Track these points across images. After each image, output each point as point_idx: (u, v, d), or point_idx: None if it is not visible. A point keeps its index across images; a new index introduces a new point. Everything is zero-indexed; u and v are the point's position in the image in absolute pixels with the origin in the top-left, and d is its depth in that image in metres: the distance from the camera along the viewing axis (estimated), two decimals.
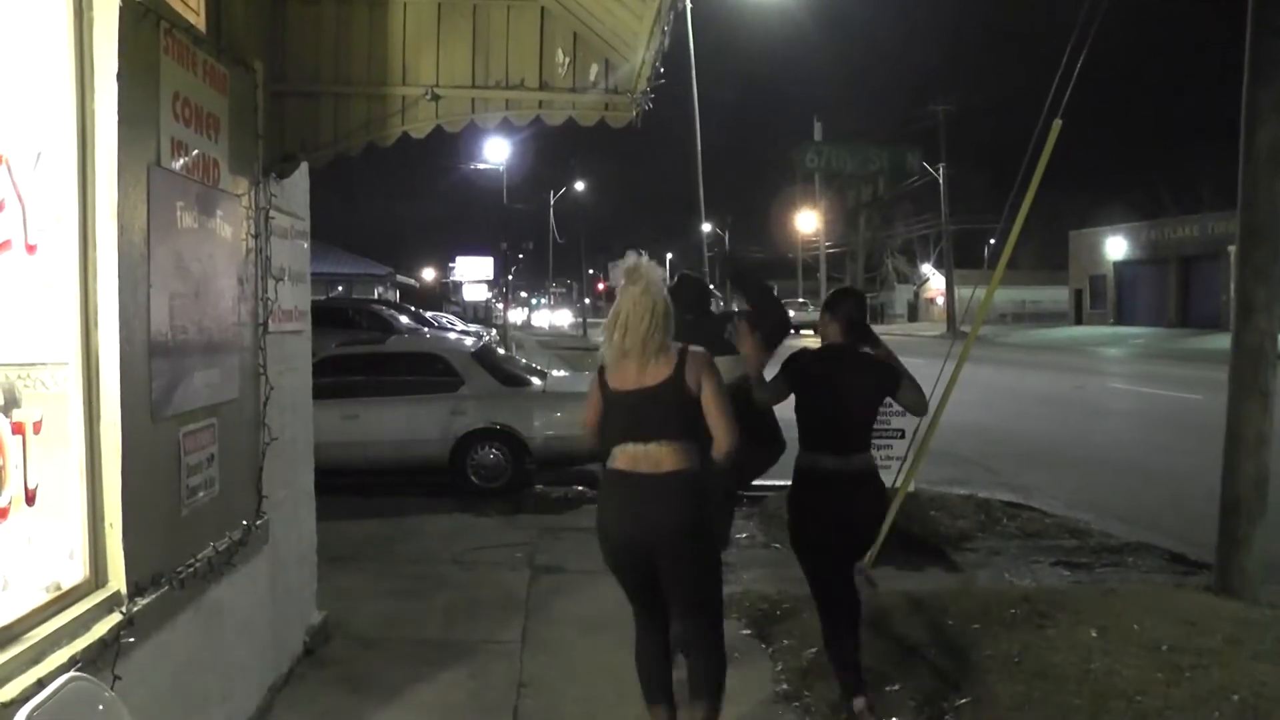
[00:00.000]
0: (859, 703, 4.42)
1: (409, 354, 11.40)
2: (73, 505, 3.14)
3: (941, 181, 51.79)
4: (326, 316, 14.69)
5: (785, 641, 5.58)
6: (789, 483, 4.79)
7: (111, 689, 2.78)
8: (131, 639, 3.15)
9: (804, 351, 4.82)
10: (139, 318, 3.32)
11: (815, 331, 4.96)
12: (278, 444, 4.73)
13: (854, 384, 4.60)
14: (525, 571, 7.16)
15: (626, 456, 4.01)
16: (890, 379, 4.64)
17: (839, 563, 4.77)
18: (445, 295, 68.90)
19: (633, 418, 4.00)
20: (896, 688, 4.87)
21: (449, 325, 29.99)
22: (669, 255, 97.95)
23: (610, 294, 15.79)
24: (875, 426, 8.42)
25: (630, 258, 4.07)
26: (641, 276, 3.99)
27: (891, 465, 8.39)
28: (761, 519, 8.55)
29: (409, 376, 10.61)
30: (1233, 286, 6.59)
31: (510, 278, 44.88)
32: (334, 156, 5.03)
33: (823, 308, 4.88)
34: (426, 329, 23.59)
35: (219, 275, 4.03)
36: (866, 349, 4.73)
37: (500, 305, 46.74)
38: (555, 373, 13.74)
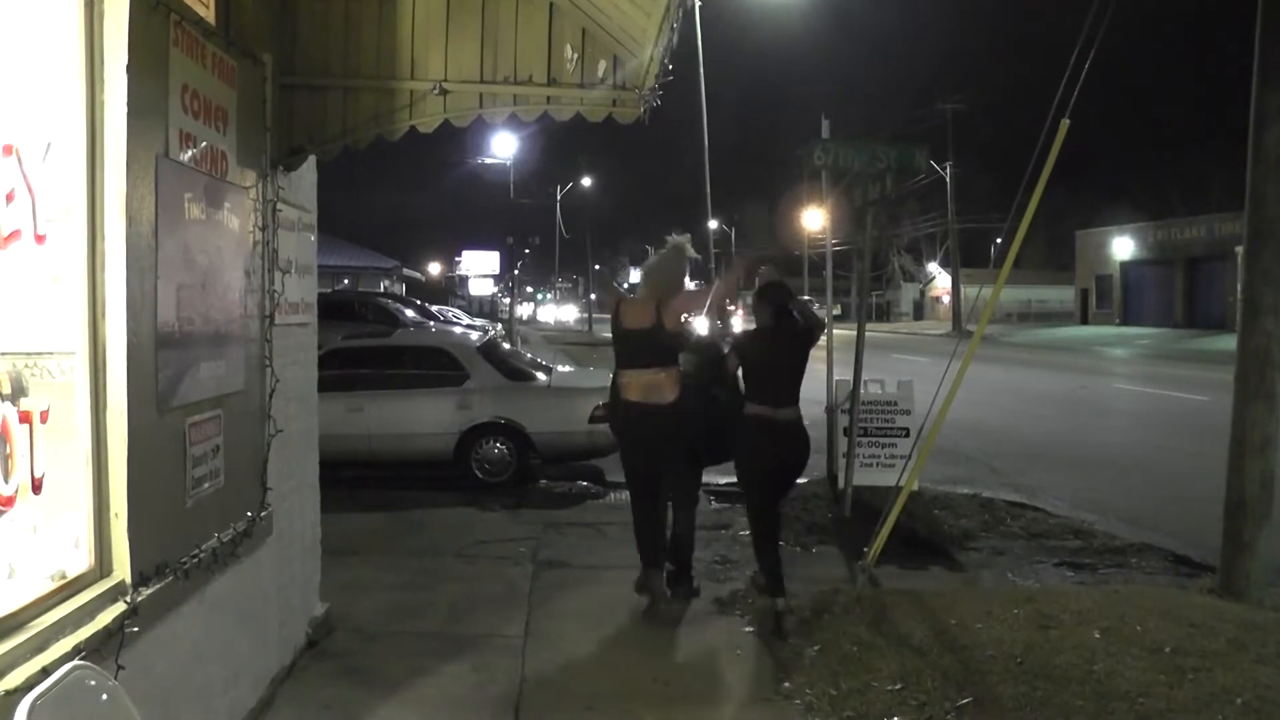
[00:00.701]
0: (780, 602, 5.76)
1: (414, 347, 11.40)
2: (79, 494, 3.15)
3: (948, 180, 51.76)
4: (332, 309, 14.64)
5: (789, 639, 5.57)
6: None
7: (115, 678, 2.79)
8: (135, 629, 3.16)
9: (745, 333, 6.39)
10: (146, 308, 3.33)
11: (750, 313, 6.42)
12: (283, 436, 4.74)
13: (782, 353, 5.96)
14: (529, 566, 7.17)
15: (638, 386, 5.91)
16: (807, 338, 6.08)
17: (776, 492, 6.12)
18: (451, 289, 68.82)
19: (634, 349, 6.01)
20: (899, 686, 4.87)
21: (454, 319, 29.98)
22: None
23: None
24: (880, 425, 8.52)
25: (674, 238, 6.28)
26: (675, 247, 6.22)
27: (896, 463, 8.41)
28: None
29: (414, 370, 10.63)
30: (1239, 288, 6.57)
31: (516, 272, 44.82)
32: (341, 150, 5.03)
33: (755, 297, 6.09)
34: (432, 323, 23.56)
35: (226, 267, 4.04)
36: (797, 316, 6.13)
37: (506, 300, 46.71)
38: (560, 368, 13.74)
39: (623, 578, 6.40)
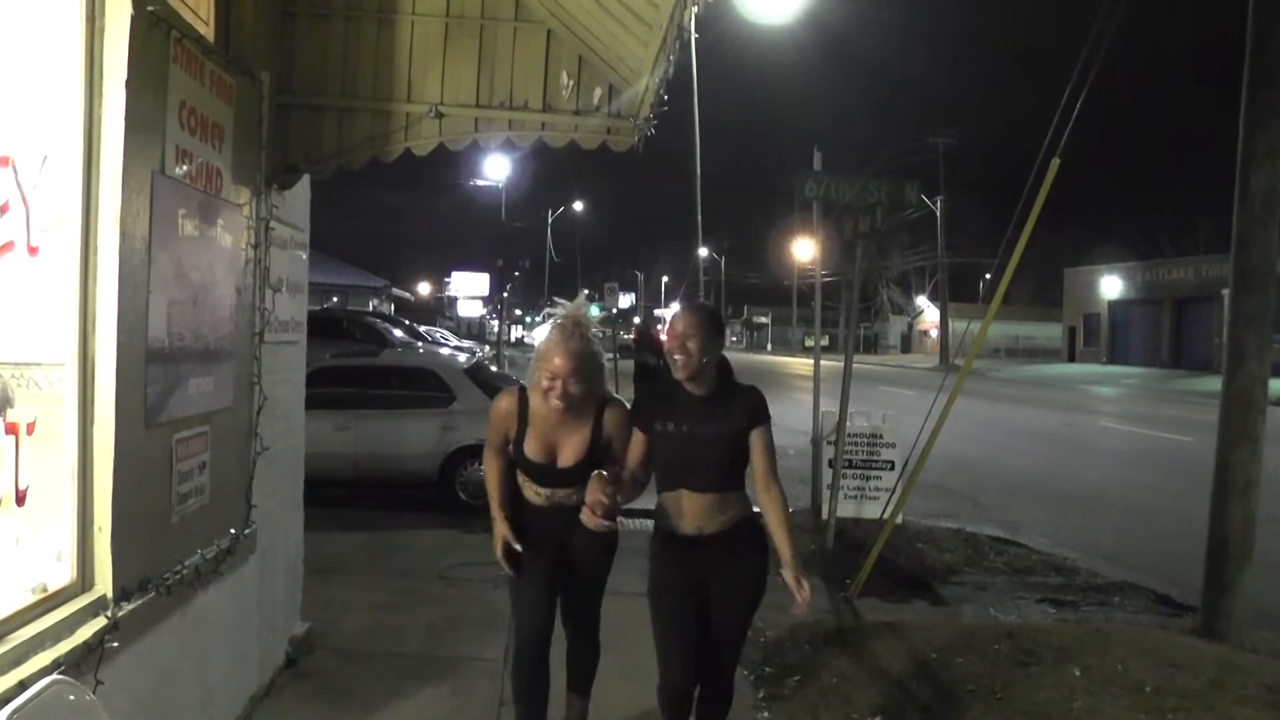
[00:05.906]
0: None
1: (402, 368, 11.37)
2: (63, 507, 3.14)
3: (939, 215, 52.11)
4: (321, 327, 14.60)
5: (767, 670, 5.56)
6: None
7: (93, 693, 2.77)
8: (115, 644, 3.14)
9: None
10: (137, 323, 3.33)
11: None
12: (269, 454, 4.73)
13: None
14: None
15: None
16: None
17: None
18: (440, 310, 68.82)
19: None
20: (878, 719, 4.86)
21: (443, 340, 29.97)
22: (664, 278, 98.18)
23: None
24: (865, 458, 8.48)
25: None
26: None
27: (880, 496, 8.44)
28: None
29: (401, 390, 10.62)
30: (1225, 331, 6.62)
31: (505, 295, 44.84)
32: (336, 169, 5.05)
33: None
34: (420, 343, 23.54)
35: (218, 283, 4.04)
36: None
37: (495, 321, 46.69)
38: None
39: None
